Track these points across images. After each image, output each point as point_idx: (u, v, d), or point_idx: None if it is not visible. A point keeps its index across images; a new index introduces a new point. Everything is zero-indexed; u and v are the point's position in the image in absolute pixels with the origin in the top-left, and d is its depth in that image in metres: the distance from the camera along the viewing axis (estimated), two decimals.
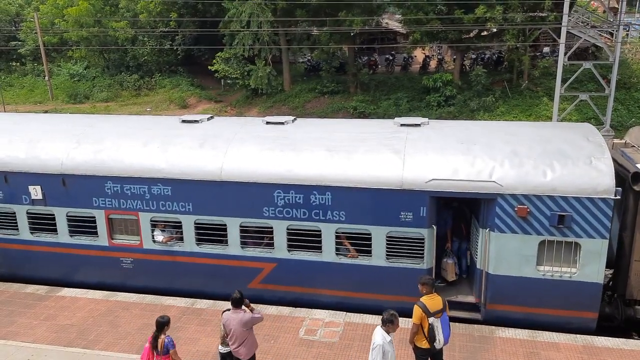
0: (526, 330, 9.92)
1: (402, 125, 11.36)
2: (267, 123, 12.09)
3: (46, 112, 35.05)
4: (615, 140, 11.78)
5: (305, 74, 40.99)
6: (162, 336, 7.73)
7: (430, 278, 8.14)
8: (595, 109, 26.46)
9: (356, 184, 10.19)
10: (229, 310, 8.08)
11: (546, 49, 36.97)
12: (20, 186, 11.85)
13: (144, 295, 11.61)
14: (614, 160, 9.91)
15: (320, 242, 10.62)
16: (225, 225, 10.98)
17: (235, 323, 7.94)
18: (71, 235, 11.90)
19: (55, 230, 11.96)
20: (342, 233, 10.59)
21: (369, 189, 10.14)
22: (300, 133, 11.41)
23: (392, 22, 41.46)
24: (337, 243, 10.60)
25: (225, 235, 11.06)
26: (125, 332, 10.32)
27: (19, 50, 44.74)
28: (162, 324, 7.73)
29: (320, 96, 35.74)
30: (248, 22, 33.82)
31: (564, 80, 25.40)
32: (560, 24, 24.94)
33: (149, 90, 41.18)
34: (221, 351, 8.31)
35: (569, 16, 24.78)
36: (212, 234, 11.14)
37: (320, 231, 10.55)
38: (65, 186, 11.60)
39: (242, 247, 11.06)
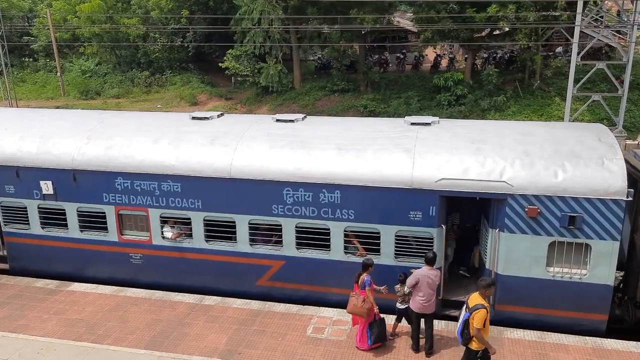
0: (535, 331, 9.85)
1: (412, 124, 11.31)
2: (277, 121, 12.09)
3: (58, 107, 35.32)
4: (628, 142, 11.67)
5: (316, 72, 40.95)
6: (364, 275, 9.21)
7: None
8: (608, 109, 26.19)
9: (366, 183, 10.16)
10: (419, 268, 9.30)
11: (559, 49, 36.65)
12: (31, 181, 11.95)
13: (153, 291, 11.67)
14: (626, 162, 9.82)
15: (329, 240, 10.61)
16: (234, 222, 11.00)
17: (431, 280, 9.09)
18: (81, 231, 11.99)
19: (65, 225, 12.05)
20: (351, 232, 10.57)
21: (378, 188, 10.11)
22: (310, 131, 11.40)
23: (404, 20, 41.30)
24: (345, 241, 10.59)
25: (234, 232, 11.08)
26: (134, 327, 10.38)
27: (31, 46, 45.12)
28: (366, 265, 9.27)
29: (330, 94, 35.69)
30: (259, 19, 33.85)
31: (576, 81, 25.17)
32: (574, 23, 24.71)
33: (160, 87, 41.37)
34: (399, 307, 9.58)
35: (582, 16, 24.54)
36: (221, 230, 11.16)
37: (329, 229, 10.54)
38: (76, 181, 11.68)
39: (250, 245, 11.08)
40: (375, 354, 9.34)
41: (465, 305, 7.99)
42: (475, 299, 7.86)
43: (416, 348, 9.43)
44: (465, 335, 7.90)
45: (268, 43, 34.66)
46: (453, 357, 9.23)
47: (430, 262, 9.21)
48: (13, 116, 13.82)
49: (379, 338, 9.40)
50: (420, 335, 9.50)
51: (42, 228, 12.24)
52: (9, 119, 13.30)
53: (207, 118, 12.43)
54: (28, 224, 12.30)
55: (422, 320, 9.41)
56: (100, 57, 44.02)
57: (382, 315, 9.46)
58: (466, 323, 7.85)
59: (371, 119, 17.68)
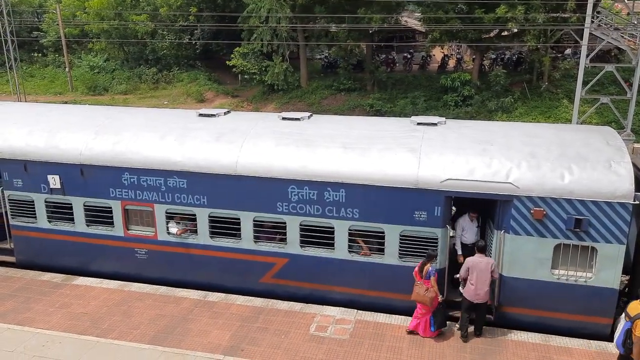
0: (539, 334, 9.83)
1: (418, 124, 11.30)
2: (283, 119, 12.11)
3: (66, 103, 35.48)
4: (636, 145, 11.61)
5: (322, 70, 40.95)
6: (428, 265, 9.53)
7: None
8: (616, 112, 26.04)
9: (371, 182, 10.15)
10: (471, 256, 9.62)
11: (567, 51, 36.48)
12: (39, 175, 12.02)
13: (157, 286, 11.72)
14: (634, 165, 9.75)
15: (333, 239, 10.62)
16: (239, 219, 11.03)
17: (482, 267, 9.31)
18: (88, 225, 12.05)
19: (72, 220, 12.12)
20: (355, 230, 10.57)
21: (383, 187, 10.11)
22: (316, 129, 11.40)
23: (411, 20, 41.23)
24: (350, 240, 10.59)
25: (239, 229, 11.11)
26: (138, 322, 10.43)
27: (40, 42, 45.33)
28: (431, 256, 9.63)
29: (336, 93, 35.68)
30: (267, 17, 33.90)
31: (585, 83, 25.04)
32: (583, 25, 24.58)
33: (167, 83, 41.48)
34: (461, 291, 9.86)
35: (592, 18, 24.39)
36: (225, 227, 11.19)
37: (333, 228, 10.55)
38: (83, 176, 11.74)
39: (255, 242, 11.10)
40: (379, 353, 9.35)
41: (623, 314, 7.83)
42: (635, 307, 7.67)
43: (465, 336, 9.59)
44: (628, 345, 7.66)
45: (275, 41, 34.68)
46: (457, 358, 9.23)
47: (482, 249, 9.52)
48: (22, 110, 13.90)
49: (441, 324, 9.75)
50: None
51: (49, 222, 12.32)
52: (17, 113, 13.38)
53: (214, 115, 12.47)
54: (35, 217, 12.38)
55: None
56: (108, 53, 44.20)
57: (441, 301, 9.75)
58: (628, 333, 7.64)
59: (377, 118, 17.71)
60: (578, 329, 9.81)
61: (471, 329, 9.89)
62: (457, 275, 9.81)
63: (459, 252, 10.67)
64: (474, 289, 9.45)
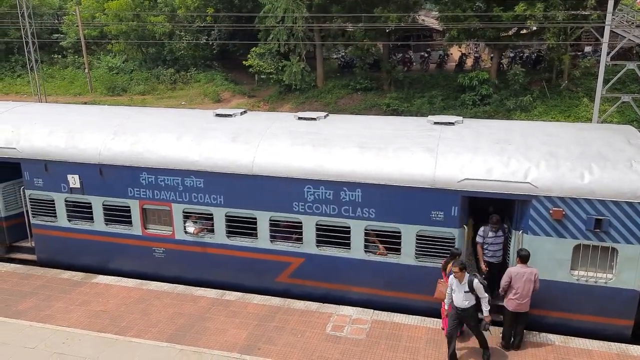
0: (558, 335, 9.70)
1: (435, 123, 11.23)
2: (299, 118, 12.13)
3: (85, 103, 35.99)
4: None
5: (339, 70, 40.94)
6: (451, 264, 9.14)
7: None
8: (638, 111, 25.61)
9: (387, 182, 10.12)
10: (514, 267, 9.23)
11: (588, 49, 35.96)
12: (59, 175, 12.21)
13: (175, 285, 11.82)
14: None
15: (349, 238, 10.61)
16: (255, 218, 11.08)
17: (526, 277, 8.96)
18: (106, 224, 12.20)
19: (91, 219, 12.29)
20: (372, 230, 10.55)
21: (400, 187, 10.06)
22: (332, 129, 11.40)
23: (429, 18, 41.00)
24: (366, 240, 10.57)
25: (255, 229, 11.15)
26: (156, 320, 10.53)
27: (60, 43, 46.04)
28: (454, 254, 9.38)
29: (353, 93, 35.65)
30: (283, 17, 34.00)
31: (605, 81, 24.68)
32: (604, 22, 24.20)
33: (184, 84, 41.86)
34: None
35: (613, 15, 24.01)
36: (242, 226, 11.25)
37: (349, 228, 10.54)
38: (102, 176, 11.90)
39: (271, 241, 11.14)
40: (395, 353, 9.31)
41: None
42: None
43: (507, 345, 9.37)
44: None
45: (292, 41, 34.76)
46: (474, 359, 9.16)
47: (524, 259, 9.04)
48: (42, 111, 14.13)
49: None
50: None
51: (69, 221, 12.50)
52: (38, 114, 13.60)
53: (230, 115, 12.54)
54: (55, 216, 12.58)
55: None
56: (127, 54, 44.75)
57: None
58: None
59: (394, 117, 17.66)
60: (598, 330, 9.67)
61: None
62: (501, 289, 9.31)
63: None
64: (517, 300, 9.05)
